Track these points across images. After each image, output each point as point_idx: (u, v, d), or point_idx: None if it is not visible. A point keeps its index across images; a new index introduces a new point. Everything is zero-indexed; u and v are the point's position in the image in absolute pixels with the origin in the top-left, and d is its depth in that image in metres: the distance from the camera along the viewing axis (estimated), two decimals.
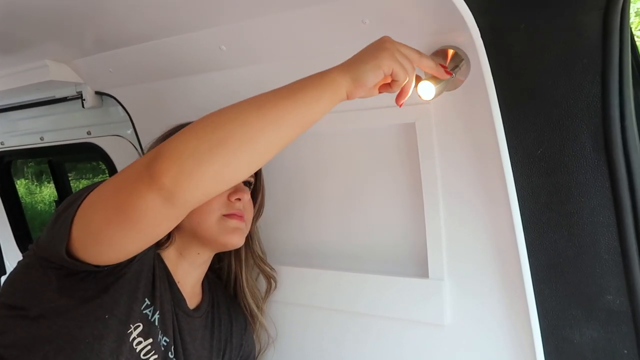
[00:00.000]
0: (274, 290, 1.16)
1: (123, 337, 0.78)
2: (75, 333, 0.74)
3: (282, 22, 0.93)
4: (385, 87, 0.74)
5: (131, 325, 0.79)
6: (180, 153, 0.62)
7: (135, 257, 0.80)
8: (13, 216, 1.91)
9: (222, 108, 0.66)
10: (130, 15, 0.98)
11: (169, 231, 0.73)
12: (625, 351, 0.77)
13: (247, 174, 0.68)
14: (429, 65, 0.76)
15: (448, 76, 0.78)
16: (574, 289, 0.79)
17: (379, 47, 0.70)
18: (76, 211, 0.71)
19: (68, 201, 0.75)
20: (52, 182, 2.04)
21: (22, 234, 1.93)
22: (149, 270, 0.85)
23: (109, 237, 0.69)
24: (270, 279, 1.14)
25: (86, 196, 0.72)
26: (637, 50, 0.85)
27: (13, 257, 1.93)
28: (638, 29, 5.41)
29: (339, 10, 0.86)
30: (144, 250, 0.80)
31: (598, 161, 0.74)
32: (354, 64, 0.69)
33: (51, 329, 0.74)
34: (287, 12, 0.90)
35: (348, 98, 0.70)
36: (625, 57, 0.71)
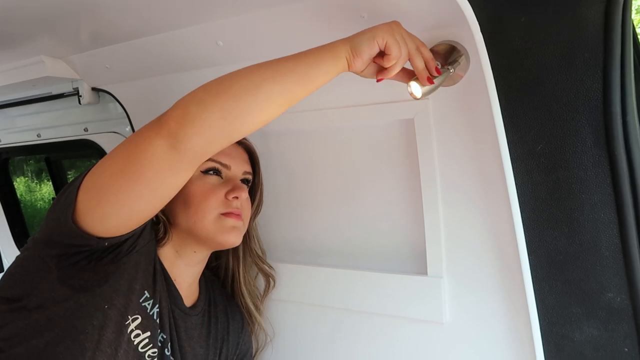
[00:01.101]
0: (272, 288, 1.15)
1: (121, 328, 0.77)
2: (75, 323, 0.74)
3: (280, 16, 0.92)
4: (384, 71, 0.77)
5: (129, 317, 0.79)
6: (187, 101, 0.68)
7: (135, 245, 0.80)
8: (11, 214, 1.91)
9: None
10: (126, 11, 0.97)
11: (174, 189, 0.74)
12: (626, 349, 0.76)
13: (250, 125, 0.70)
14: (418, 65, 0.76)
15: (428, 83, 0.78)
16: (574, 287, 0.79)
17: (381, 24, 0.74)
18: (84, 178, 0.73)
19: (68, 184, 0.77)
20: (50, 180, 2.04)
21: (19, 231, 1.93)
22: (148, 263, 0.85)
23: (114, 192, 0.70)
24: (268, 277, 1.13)
25: (90, 168, 0.74)
26: (639, 44, 0.84)
27: (11, 255, 1.93)
28: (638, 26, 5.42)
29: (337, 4, 0.85)
30: (142, 242, 0.81)
31: (599, 157, 0.73)
32: (355, 36, 0.74)
33: (50, 319, 0.74)
34: (286, 6, 0.89)
35: (350, 68, 0.74)
36: (628, 52, 0.70)
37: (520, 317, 0.85)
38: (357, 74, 0.78)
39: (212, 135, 0.68)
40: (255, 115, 0.69)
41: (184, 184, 0.74)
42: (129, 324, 0.78)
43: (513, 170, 0.80)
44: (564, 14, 0.71)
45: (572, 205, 0.76)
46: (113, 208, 0.72)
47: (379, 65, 0.77)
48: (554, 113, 0.75)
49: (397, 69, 0.76)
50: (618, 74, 0.71)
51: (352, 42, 0.73)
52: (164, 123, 0.67)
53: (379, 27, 0.73)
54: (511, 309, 0.88)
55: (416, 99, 0.79)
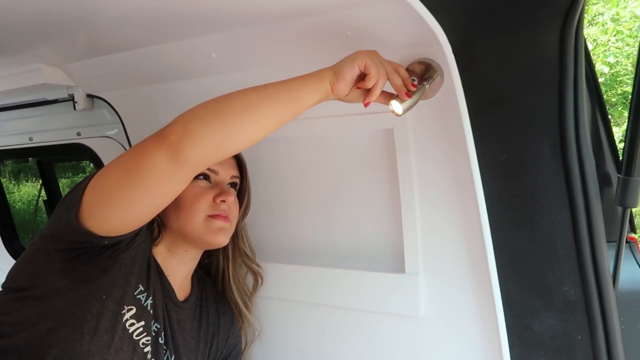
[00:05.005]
0: (260, 286, 1.21)
1: (117, 316, 0.84)
2: (75, 311, 0.81)
3: (269, 33, 0.98)
4: (366, 91, 0.84)
5: (125, 307, 0.85)
6: (188, 117, 0.76)
7: (132, 243, 0.87)
8: (0, 216, 1.91)
9: None
10: (123, 23, 1.02)
11: (171, 196, 0.82)
12: (580, 337, 0.84)
13: (243, 141, 0.78)
14: (397, 82, 0.84)
15: (407, 97, 0.86)
16: (535, 282, 0.87)
17: (359, 50, 0.82)
18: (90, 181, 0.80)
19: (74, 186, 0.84)
20: (29, 181, 2.05)
21: (9, 233, 1.94)
22: (143, 260, 0.91)
23: (118, 196, 0.78)
24: (256, 275, 1.19)
25: (97, 172, 0.81)
26: (593, 65, 0.93)
27: (0, 258, 1.93)
28: (614, 34, 5.62)
29: (323, 23, 0.92)
30: (139, 240, 0.88)
31: (556, 166, 0.81)
32: (337, 62, 0.83)
33: (54, 307, 0.81)
34: (276, 23, 0.95)
35: (333, 92, 0.82)
36: (580, 74, 0.79)
37: (488, 310, 0.94)
38: (343, 99, 0.85)
39: (209, 150, 0.75)
40: (249, 132, 0.77)
41: (180, 192, 0.81)
42: (124, 314, 0.85)
43: (481, 177, 0.87)
44: (525, 40, 0.79)
45: (533, 209, 0.84)
46: (117, 211, 0.79)
47: (363, 91, 0.84)
48: (516, 126, 0.83)
49: (380, 89, 0.83)
50: (572, 92, 0.79)
51: (334, 67, 0.82)
52: (166, 137, 0.74)
53: (359, 52, 0.81)
54: (480, 302, 0.96)
55: (398, 115, 0.86)
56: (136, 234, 0.87)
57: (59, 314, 0.80)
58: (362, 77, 0.83)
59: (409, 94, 0.85)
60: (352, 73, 0.80)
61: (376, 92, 0.83)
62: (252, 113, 0.76)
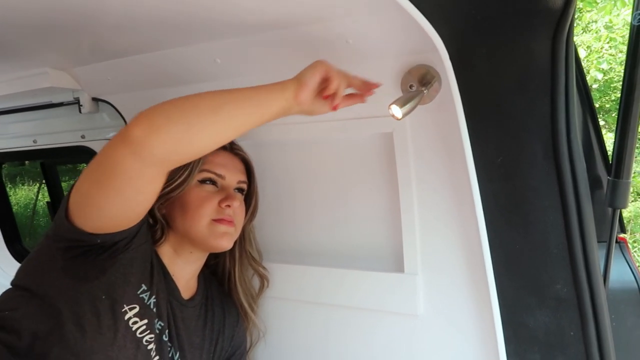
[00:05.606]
0: (266, 289, 1.23)
1: (119, 315, 0.86)
2: (75, 309, 0.83)
3: (274, 39, 1.01)
4: (328, 97, 0.88)
5: (125, 306, 0.87)
6: (154, 112, 0.74)
7: (131, 244, 0.88)
8: (3, 219, 1.92)
9: None
10: (129, 28, 1.04)
11: (146, 194, 0.81)
12: (572, 333, 0.87)
13: (208, 141, 0.78)
14: (357, 82, 0.89)
15: (369, 94, 0.91)
16: (529, 280, 0.90)
17: (317, 60, 0.86)
18: (75, 184, 0.82)
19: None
20: (26, 184, 2.07)
21: (11, 235, 1.95)
22: (145, 260, 0.93)
23: (95, 199, 0.79)
24: (262, 278, 1.22)
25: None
26: (583, 72, 0.97)
27: (3, 260, 1.95)
28: (607, 41, 5.69)
29: (325, 31, 0.95)
30: (137, 242, 0.89)
31: (548, 168, 0.84)
32: (299, 73, 0.86)
33: (55, 305, 0.83)
34: (279, 31, 0.98)
35: (297, 99, 0.83)
36: (570, 80, 0.82)
37: (484, 308, 0.97)
38: (307, 110, 0.87)
39: (173, 147, 0.75)
40: (215, 133, 0.78)
41: (156, 189, 0.82)
42: (126, 312, 0.87)
43: (477, 179, 0.90)
44: (519, 48, 0.82)
45: (526, 210, 0.87)
46: (94, 211, 0.81)
47: (327, 101, 0.88)
48: (511, 130, 0.86)
49: (342, 90, 0.87)
50: (563, 98, 0.82)
51: (297, 76, 0.85)
52: (129, 132, 0.72)
53: (317, 62, 0.85)
54: (476, 300, 0.99)
55: (398, 119, 0.90)
56: (134, 235, 0.88)
57: (60, 313, 0.83)
58: (322, 88, 0.86)
59: (375, 85, 0.90)
60: (314, 80, 0.83)
61: (340, 95, 0.86)
62: (219, 114, 0.77)
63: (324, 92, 0.86)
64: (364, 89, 0.90)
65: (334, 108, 0.88)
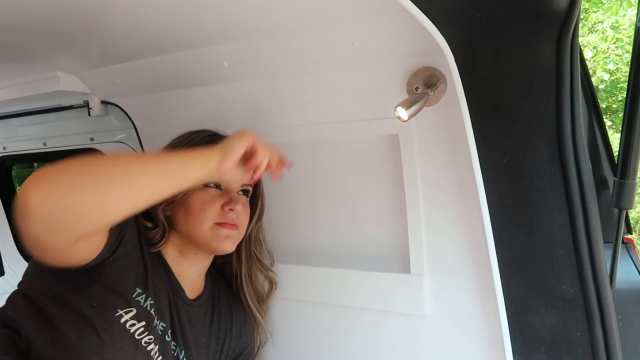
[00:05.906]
0: (274, 291, 1.24)
1: (112, 319, 0.87)
2: (70, 315, 0.85)
3: (280, 42, 1.02)
4: (255, 171, 0.88)
5: (119, 310, 0.88)
6: (53, 175, 0.65)
7: (114, 254, 0.88)
8: (14, 219, 1.94)
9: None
10: (138, 32, 1.06)
11: (81, 253, 0.81)
12: (578, 334, 0.88)
13: (117, 211, 0.70)
14: (274, 159, 0.91)
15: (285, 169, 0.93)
16: (535, 281, 0.90)
17: (243, 131, 0.86)
18: None
19: None
20: None
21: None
22: (137, 266, 0.94)
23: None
24: (270, 281, 1.22)
25: None
26: (588, 73, 0.97)
27: (13, 260, 1.97)
28: (614, 42, 5.67)
29: (330, 34, 0.96)
30: (121, 252, 0.90)
31: (554, 169, 0.85)
32: (223, 142, 0.84)
33: (50, 310, 0.86)
34: (285, 34, 0.99)
35: (219, 169, 0.81)
36: (575, 81, 0.83)
37: (490, 308, 0.97)
38: (224, 178, 0.87)
39: (75, 215, 0.65)
40: (126, 202, 0.70)
41: (94, 246, 0.81)
42: (121, 316, 0.88)
43: (483, 180, 0.91)
44: (524, 50, 0.83)
45: (532, 211, 0.88)
46: (50, 256, 0.77)
47: (246, 169, 0.88)
48: (516, 132, 0.87)
49: (265, 164, 0.88)
50: (568, 99, 0.83)
51: (221, 147, 0.82)
52: (24, 200, 0.63)
53: (243, 133, 0.85)
54: (482, 301, 1.00)
55: (403, 121, 0.91)
56: (114, 249, 0.88)
57: (55, 317, 0.85)
58: (244, 159, 0.86)
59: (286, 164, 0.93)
60: (239, 151, 0.83)
61: (262, 169, 0.88)
62: (135, 183, 0.70)
63: (247, 164, 0.86)
64: (279, 166, 0.91)
65: (254, 181, 0.88)
